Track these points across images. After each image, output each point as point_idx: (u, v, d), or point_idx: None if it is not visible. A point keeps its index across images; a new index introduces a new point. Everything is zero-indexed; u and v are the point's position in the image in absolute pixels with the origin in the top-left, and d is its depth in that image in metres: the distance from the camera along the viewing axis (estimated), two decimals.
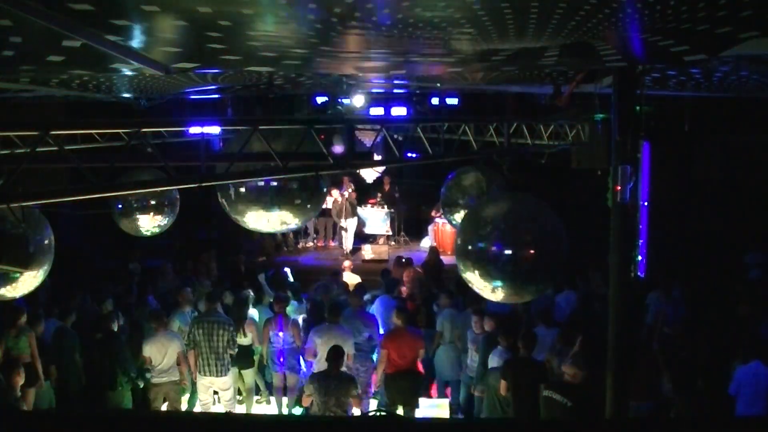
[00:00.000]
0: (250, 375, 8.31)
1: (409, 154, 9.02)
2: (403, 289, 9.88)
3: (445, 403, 8.70)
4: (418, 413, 8.08)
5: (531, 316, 8.36)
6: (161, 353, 7.51)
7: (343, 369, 6.75)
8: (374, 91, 11.18)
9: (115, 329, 7.63)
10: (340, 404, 6.37)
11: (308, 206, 6.40)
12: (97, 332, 7.61)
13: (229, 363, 7.70)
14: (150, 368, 7.56)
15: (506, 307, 8.15)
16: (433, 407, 8.67)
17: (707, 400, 6.51)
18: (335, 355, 6.51)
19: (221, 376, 7.64)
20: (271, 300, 8.84)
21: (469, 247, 5.80)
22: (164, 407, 7.70)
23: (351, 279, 10.57)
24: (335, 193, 13.94)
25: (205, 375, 7.64)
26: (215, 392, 7.98)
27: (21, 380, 6.37)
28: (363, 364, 7.90)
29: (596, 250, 7.35)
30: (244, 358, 8.12)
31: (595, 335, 6.87)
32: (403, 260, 11.26)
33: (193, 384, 8.03)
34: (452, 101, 11.67)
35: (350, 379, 6.59)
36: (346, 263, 11.31)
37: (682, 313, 8.58)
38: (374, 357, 8.04)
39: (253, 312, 8.57)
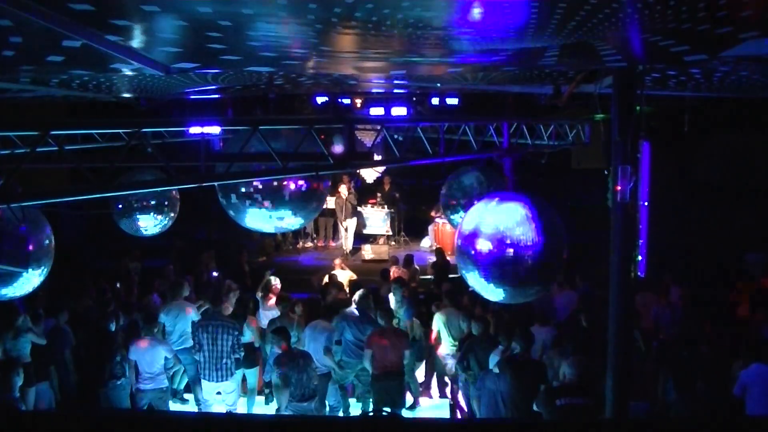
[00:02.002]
0: (251, 375, 8.25)
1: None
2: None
3: (445, 403, 8.69)
4: (419, 413, 8.07)
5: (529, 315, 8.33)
6: (146, 358, 7.35)
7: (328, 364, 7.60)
8: (374, 91, 11.17)
9: (113, 329, 7.61)
10: (310, 378, 6.78)
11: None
12: (93, 331, 7.59)
13: (233, 367, 7.51)
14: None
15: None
16: (433, 407, 8.67)
17: (708, 402, 6.50)
18: (285, 334, 6.90)
19: (223, 381, 7.47)
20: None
21: (469, 247, 5.80)
22: None
23: (343, 276, 10.54)
24: (343, 188, 13.95)
25: (207, 380, 7.49)
26: (218, 392, 7.82)
27: (20, 381, 6.36)
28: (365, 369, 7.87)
29: (596, 250, 7.34)
30: (246, 357, 7.98)
31: (595, 335, 6.86)
32: (406, 258, 11.22)
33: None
34: (452, 101, 11.65)
35: (308, 355, 7.04)
36: (337, 261, 11.23)
37: (679, 316, 8.51)
38: None
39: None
